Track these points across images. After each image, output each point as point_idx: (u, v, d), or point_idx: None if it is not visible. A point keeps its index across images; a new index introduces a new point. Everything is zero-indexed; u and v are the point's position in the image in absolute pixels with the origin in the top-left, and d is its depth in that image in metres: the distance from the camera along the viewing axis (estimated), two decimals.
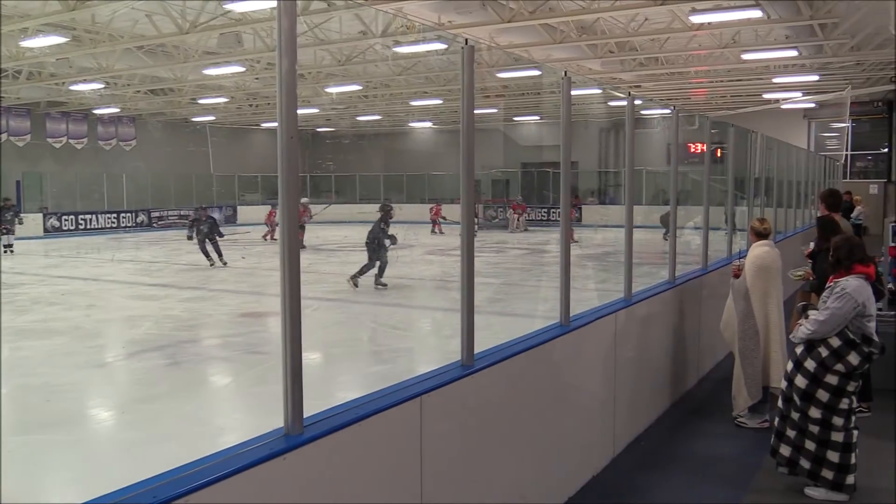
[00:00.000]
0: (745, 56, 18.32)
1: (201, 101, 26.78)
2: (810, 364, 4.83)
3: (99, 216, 29.09)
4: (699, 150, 20.04)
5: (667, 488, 5.15)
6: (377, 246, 13.56)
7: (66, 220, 28.04)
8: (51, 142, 29.54)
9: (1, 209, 20.35)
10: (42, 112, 28.69)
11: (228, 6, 13.79)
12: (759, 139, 11.50)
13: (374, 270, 13.56)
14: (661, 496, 5.03)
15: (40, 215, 27.31)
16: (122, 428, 6.57)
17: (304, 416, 2.86)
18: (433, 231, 28.31)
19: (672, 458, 5.69)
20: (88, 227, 28.58)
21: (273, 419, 2.88)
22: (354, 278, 13.46)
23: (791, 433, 4.96)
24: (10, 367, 8.34)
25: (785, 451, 5.00)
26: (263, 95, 26.08)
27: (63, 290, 14.06)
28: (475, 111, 3.92)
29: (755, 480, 5.25)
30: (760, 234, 6.49)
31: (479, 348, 3.97)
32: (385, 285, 13.49)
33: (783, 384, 5.11)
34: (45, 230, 27.11)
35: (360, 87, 24.10)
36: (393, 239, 13.64)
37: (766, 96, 26.13)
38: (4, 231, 19.82)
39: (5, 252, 19.50)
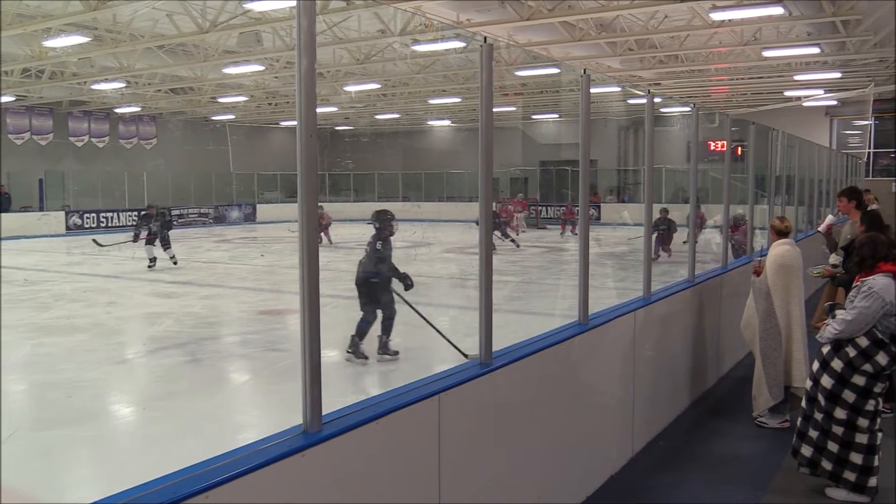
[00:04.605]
0: (766, 53, 18.14)
1: (221, 100, 26.95)
2: (837, 364, 4.78)
3: (120, 214, 29.32)
4: (720, 148, 19.92)
5: (686, 488, 5.12)
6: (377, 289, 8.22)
7: (87, 217, 28.31)
8: (73, 140, 29.87)
9: (161, 217, 17.01)
10: (64, 111, 29.05)
11: (248, 5, 13.84)
12: (781, 137, 11.39)
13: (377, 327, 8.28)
14: (680, 496, 5.00)
15: (62, 213, 27.62)
16: (143, 424, 6.62)
17: (323, 413, 2.87)
18: None
19: (691, 458, 5.65)
20: (110, 224, 28.82)
21: (292, 416, 2.89)
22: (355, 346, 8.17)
23: (813, 434, 4.91)
24: (33, 364, 8.45)
25: (806, 451, 4.95)
26: (283, 94, 26.20)
27: (85, 287, 14.19)
28: (494, 109, 3.91)
29: (775, 481, 5.20)
30: (781, 233, 6.43)
31: (497, 346, 3.96)
32: (396, 353, 8.20)
33: (808, 384, 5.06)
34: (67, 228, 27.44)
35: (379, 86, 24.13)
36: (406, 281, 8.04)
37: (788, 94, 25.86)
38: (163, 243, 16.31)
39: (149, 266, 16.03)
